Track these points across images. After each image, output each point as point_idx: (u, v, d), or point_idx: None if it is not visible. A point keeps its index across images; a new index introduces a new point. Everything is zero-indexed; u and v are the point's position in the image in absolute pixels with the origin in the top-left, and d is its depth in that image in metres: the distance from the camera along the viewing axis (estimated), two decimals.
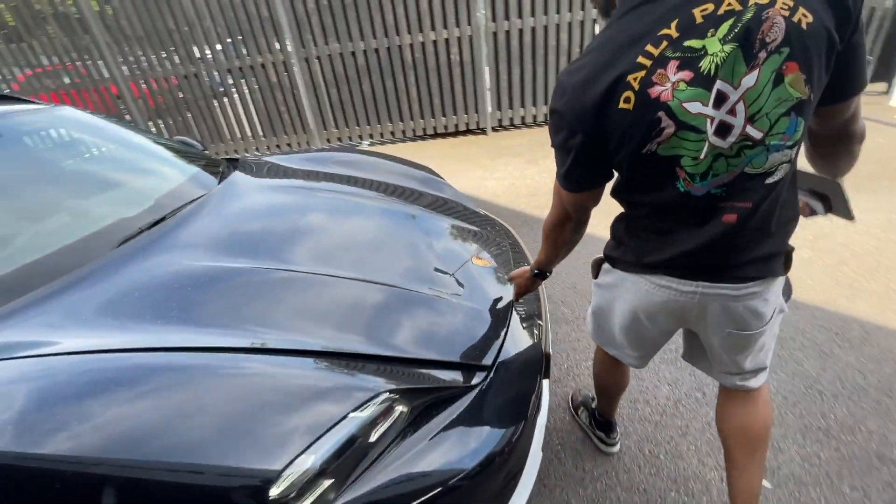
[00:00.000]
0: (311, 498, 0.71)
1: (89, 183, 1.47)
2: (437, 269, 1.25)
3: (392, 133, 5.33)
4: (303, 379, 0.83)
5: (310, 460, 0.73)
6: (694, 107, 0.64)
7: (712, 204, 0.72)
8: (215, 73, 5.12)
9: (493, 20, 4.68)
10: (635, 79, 0.64)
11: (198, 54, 5.00)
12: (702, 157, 0.67)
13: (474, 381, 0.98)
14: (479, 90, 5.00)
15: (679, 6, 0.62)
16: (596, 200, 0.87)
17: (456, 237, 1.48)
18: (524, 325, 1.23)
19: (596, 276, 1.06)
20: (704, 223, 0.75)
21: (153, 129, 5.51)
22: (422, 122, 5.23)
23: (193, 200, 1.47)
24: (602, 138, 0.71)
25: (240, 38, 4.87)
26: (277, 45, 4.89)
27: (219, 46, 4.93)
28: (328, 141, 5.44)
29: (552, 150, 0.81)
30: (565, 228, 0.95)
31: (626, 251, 0.89)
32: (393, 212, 1.53)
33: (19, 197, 1.25)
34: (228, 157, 2.06)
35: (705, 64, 0.62)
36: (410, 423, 0.87)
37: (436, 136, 5.40)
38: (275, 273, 1.11)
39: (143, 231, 1.27)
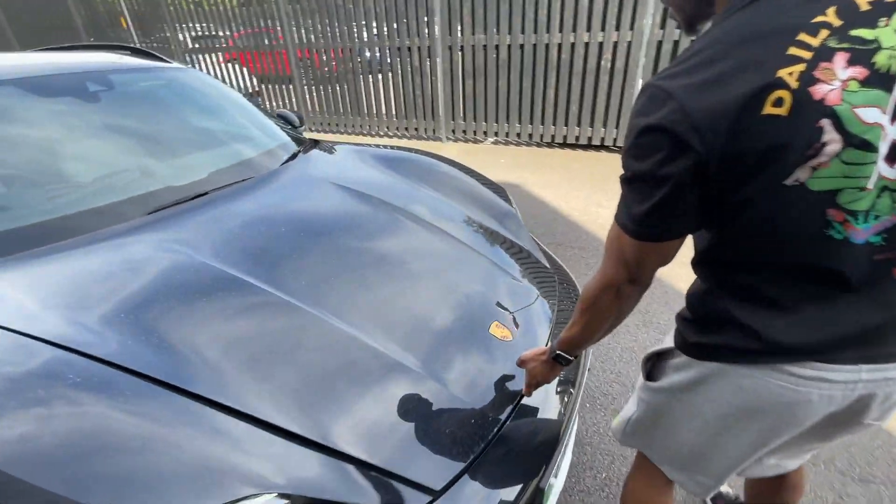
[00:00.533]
0: None
1: (164, 145, 1.54)
2: (441, 338, 1.00)
3: (518, 135, 5.04)
4: (184, 440, 0.68)
5: None
6: (869, 114, 0.50)
7: (870, 257, 0.57)
8: (367, 52, 5.39)
9: (662, 27, 4.04)
10: (791, 74, 0.50)
11: (356, 31, 5.30)
12: (869, 186, 0.53)
13: None
14: (625, 103, 4.41)
15: None
16: (673, 255, 0.67)
17: (496, 296, 1.19)
18: (536, 426, 0.93)
19: (653, 375, 0.82)
20: (869, 282, 0.58)
21: (307, 96, 6.06)
22: (552, 129, 4.83)
23: (244, 180, 1.45)
24: (727, 161, 0.54)
25: (395, 26, 5.02)
26: (427, 31, 4.93)
27: (375, 28, 5.16)
28: (453, 132, 5.38)
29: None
30: (620, 297, 0.71)
31: (737, 335, 0.65)
32: (439, 249, 1.29)
33: (87, 149, 1.34)
34: (314, 138, 2.04)
35: (882, 59, 0.49)
36: None
37: (564, 145, 4.96)
38: (262, 295, 0.97)
39: (176, 204, 1.26)
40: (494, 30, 4.63)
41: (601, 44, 4.28)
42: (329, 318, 0.95)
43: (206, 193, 1.35)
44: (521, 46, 4.59)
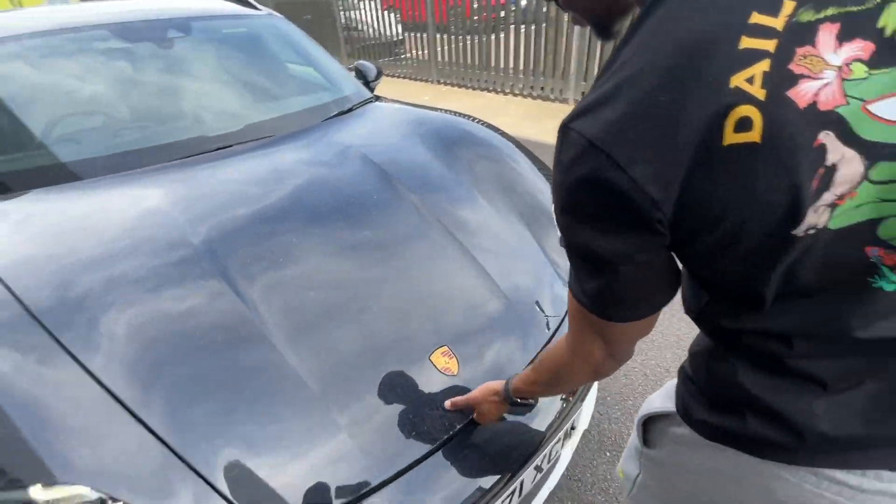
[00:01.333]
0: None
1: (219, 94, 1.58)
2: (364, 368, 0.85)
3: None
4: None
5: None
6: (892, 108, 0.33)
7: None
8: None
9: None
10: (751, 78, 0.34)
11: None
12: None
13: None
14: None
15: None
16: (654, 323, 0.52)
17: (471, 320, 0.98)
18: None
19: (651, 440, 0.66)
20: None
21: (438, 46, 5.95)
22: None
23: (266, 137, 1.43)
24: (697, 223, 0.39)
25: None
26: None
27: None
28: (583, 94, 4.77)
29: None
30: (600, 372, 0.59)
31: (762, 422, 0.47)
32: (439, 263, 1.09)
33: (137, 95, 1.43)
34: (377, 94, 1.93)
35: (890, 21, 0.32)
36: None
37: None
38: (210, 280, 0.90)
39: (189, 157, 1.30)
40: None
41: None
42: (253, 315, 0.86)
43: (228, 146, 1.36)
44: None
